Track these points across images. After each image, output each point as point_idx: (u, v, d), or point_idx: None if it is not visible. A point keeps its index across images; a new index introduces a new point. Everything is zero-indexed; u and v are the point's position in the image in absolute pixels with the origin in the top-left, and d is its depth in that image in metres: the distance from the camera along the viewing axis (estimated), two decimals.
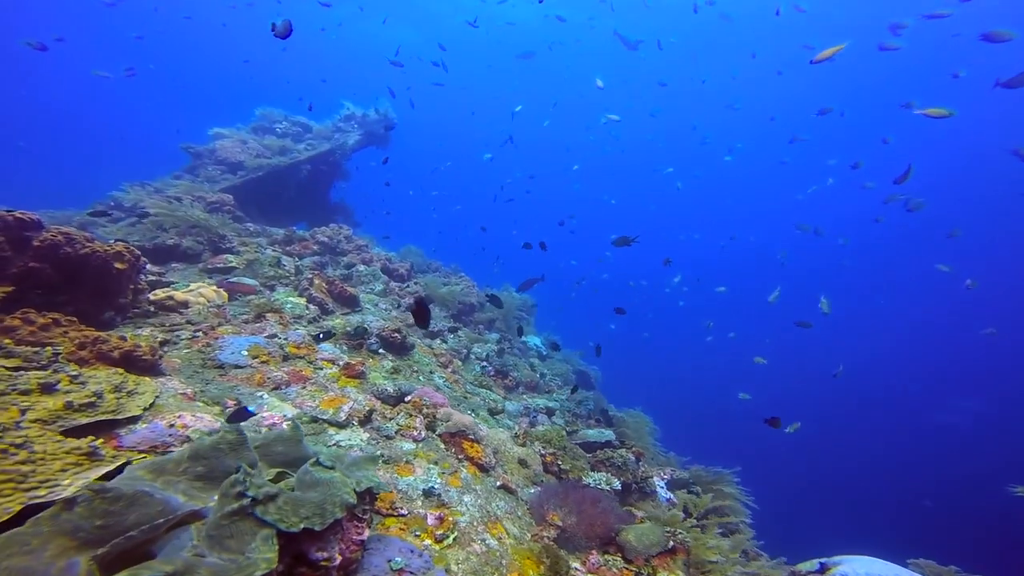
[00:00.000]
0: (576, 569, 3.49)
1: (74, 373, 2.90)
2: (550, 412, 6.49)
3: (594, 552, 3.71)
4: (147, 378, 3.40)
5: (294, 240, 8.40)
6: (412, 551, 2.70)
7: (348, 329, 5.45)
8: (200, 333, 4.59)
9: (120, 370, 3.22)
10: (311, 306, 5.95)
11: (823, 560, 4.32)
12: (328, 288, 6.40)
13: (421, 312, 3.67)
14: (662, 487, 5.25)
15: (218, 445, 2.28)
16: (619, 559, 3.78)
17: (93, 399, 2.74)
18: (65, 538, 1.79)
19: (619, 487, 4.65)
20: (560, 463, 4.76)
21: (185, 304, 5.22)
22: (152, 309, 4.95)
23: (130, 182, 9.09)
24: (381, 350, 5.58)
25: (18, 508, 1.88)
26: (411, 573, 2.59)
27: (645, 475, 5.11)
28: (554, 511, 3.86)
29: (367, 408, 4.08)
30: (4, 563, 1.63)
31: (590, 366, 11.41)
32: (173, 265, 6.80)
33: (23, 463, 2.01)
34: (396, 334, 5.68)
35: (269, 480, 2.16)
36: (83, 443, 2.20)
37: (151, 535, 1.85)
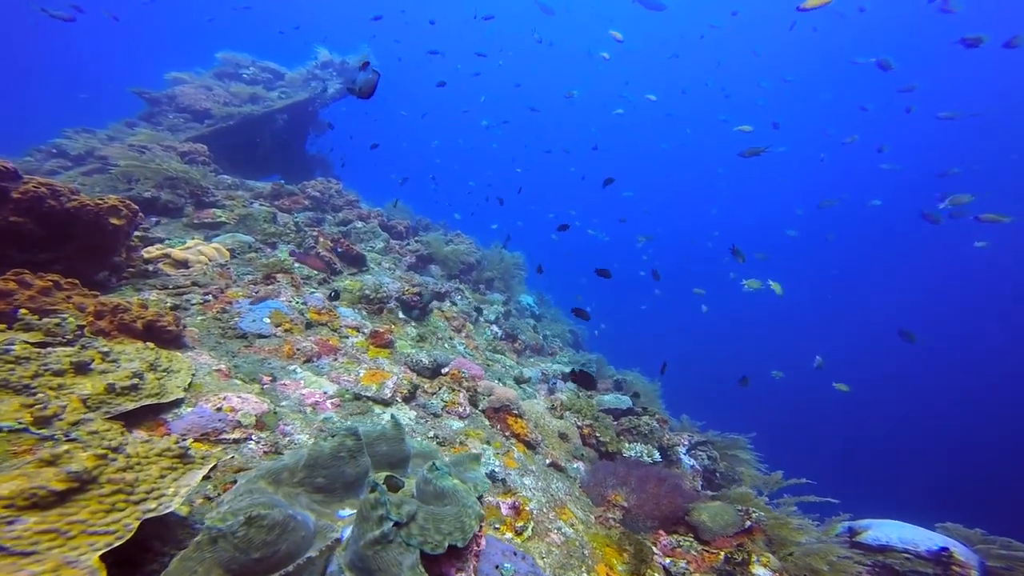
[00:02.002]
0: (654, 553, 3.44)
1: (104, 349, 2.55)
2: (565, 377, 6.42)
3: (662, 533, 3.64)
4: (178, 353, 3.06)
5: (283, 194, 7.83)
6: (514, 553, 2.57)
7: (367, 292, 5.13)
8: (210, 297, 4.20)
9: (151, 345, 2.87)
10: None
11: (851, 524, 4.46)
12: (333, 246, 5.99)
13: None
14: (685, 454, 5.30)
15: (338, 453, 2.04)
16: (691, 539, 3.67)
17: (135, 380, 2.42)
18: (220, 569, 1.58)
19: (659, 458, 4.64)
20: (598, 435, 4.69)
21: (185, 263, 4.76)
22: (150, 269, 4.49)
23: (73, 128, 8.20)
24: (402, 315, 5.31)
25: (136, 524, 1.62)
26: None
27: (671, 443, 5.13)
28: (615, 491, 3.77)
29: (411, 383, 3.86)
30: None
31: (577, 325, 11.44)
32: (153, 220, 6.21)
33: (125, 470, 1.71)
34: (416, 297, 5.40)
35: (382, 483, 1.95)
36: (171, 443, 1.91)
37: (306, 569, 1.65)
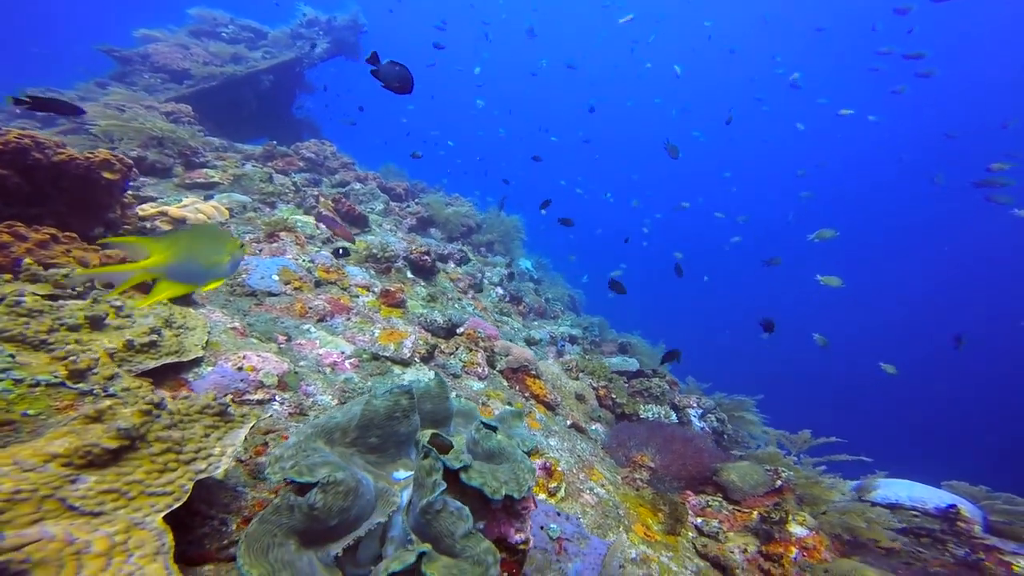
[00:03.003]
0: (688, 513, 3.43)
1: (117, 304, 2.38)
2: (573, 340, 6.38)
3: (690, 493, 3.63)
4: (191, 310, 2.90)
5: (276, 156, 7.50)
6: (558, 514, 2.54)
7: (373, 251, 4.96)
8: None
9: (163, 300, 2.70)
10: (321, 225, 5.35)
11: (860, 482, 4.53)
12: (335, 207, 5.77)
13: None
14: (696, 416, 5.32)
15: (393, 413, 1.92)
16: (720, 499, 3.66)
17: (153, 337, 2.27)
18: (296, 536, 1.53)
19: (676, 419, 4.65)
20: (614, 396, 4.66)
21: (183, 221, 4.53)
22: (147, 226, 4.26)
23: (37, 88, 7.70)
24: (410, 274, 5.16)
25: (191, 486, 1.51)
26: (568, 540, 2.43)
27: (683, 404, 5.14)
28: (640, 451, 3.74)
29: (427, 343, 3.75)
30: (272, 554, 1.46)
31: (574, 289, 11.40)
32: (141, 180, 5.91)
33: (170, 427, 1.59)
34: (426, 256, 5.24)
35: (427, 443, 1.86)
36: (209, 399, 1.78)
37: (376, 533, 1.61)
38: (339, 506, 1.62)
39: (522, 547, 1.96)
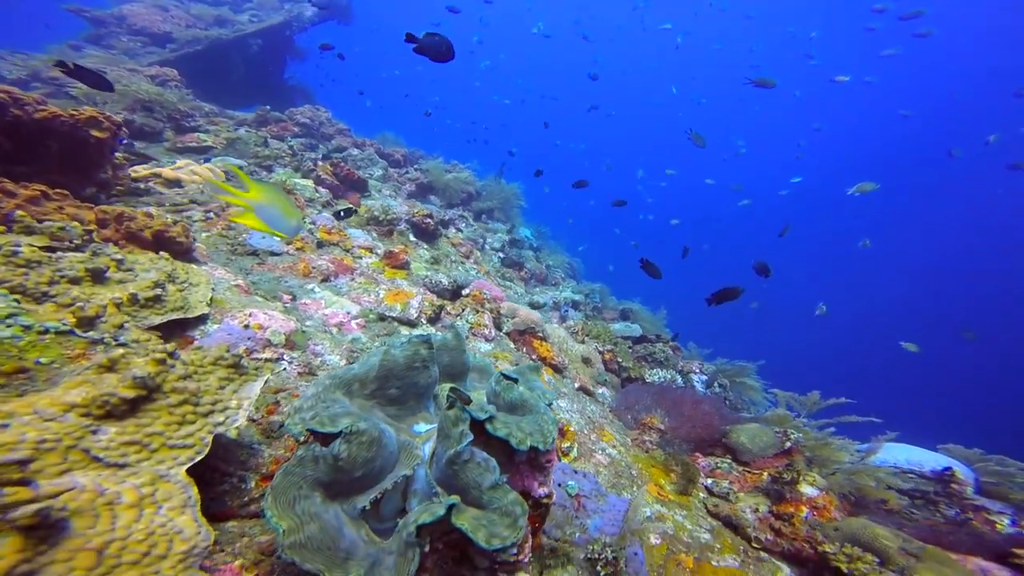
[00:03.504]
0: (700, 473, 3.42)
1: (118, 257, 2.28)
2: (576, 305, 6.33)
3: (699, 455, 3.62)
4: (194, 266, 2.79)
5: (269, 121, 7.25)
6: (575, 472, 2.51)
7: (375, 213, 4.83)
8: (212, 215, 3.87)
9: (165, 255, 2.59)
10: (320, 189, 5.20)
11: (869, 445, 4.55)
12: (334, 171, 5.60)
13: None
14: (699, 383, 5.32)
15: (413, 363, 1.85)
16: (729, 461, 3.66)
17: (158, 291, 2.17)
18: (321, 489, 1.49)
19: (682, 383, 4.63)
20: (620, 360, 4.63)
21: (178, 183, 4.37)
22: (142, 187, 4.10)
23: (3, 49, 7.34)
24: (413, 237, 5.04)
25: (211, 439, 1.45)
26: (586, 497, 2.41)
27: (686, 369, 5.13)
28: (650, 414, 3.72)
29: (436, 304, 3.67)
30: (299, 506, 1.44)
31: (573, 258, 11.32)
32: (131, 143, 5.70)
33: (185, 378, 1.51)
34: (428, 219, 5.12)
35: (447, 396, 1.79)
36: (222, 351, 1.70)
37: (402, 486, 1.57)
38: (363, 457, 1.56)
39: (545, 501, 1.92)
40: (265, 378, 1.76)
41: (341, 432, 1.53)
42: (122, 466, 1.33)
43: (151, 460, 1.37)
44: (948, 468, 4.25)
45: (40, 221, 2.40)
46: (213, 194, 4.01)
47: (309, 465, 1.52)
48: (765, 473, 3.65)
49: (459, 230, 6.60)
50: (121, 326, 1.69)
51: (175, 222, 3.52)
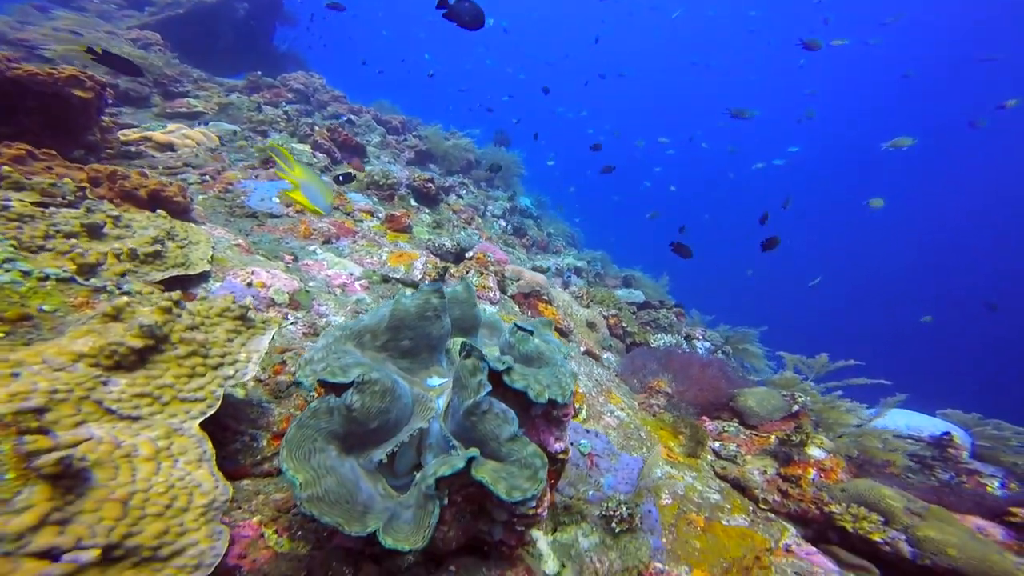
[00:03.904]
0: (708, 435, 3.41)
1: (114, 214, 2.18)
2: (578, 271, 6.27)
3: (705, 419, 3.60)
4: (192, 225, 2.70)
5: (261, 87, 7.02)
6: (587, 431, 2.48)
7: (375, 178, 4.71)
8: (208, 177, 3.76)
9: (163, 213, 2.50)
10: (318, 154, 5.06)
11: (877, 409, 4.55)
12: (331, 136, 5.44)
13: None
14: (703, 348, 5.30)
15: (424, 312, 1.78)
16: (736, 425, 3.64)
17: (157, 247, 2.09)
18: (337, 442, 1.45)
19: (687, 349, 4.60)
20: (624, 325, 4.58)
21: (170, 146, 4.23)
22: (132, 150, 3.96)
23: None
24: (414, 202, 4.93)
25: (222, 392, 1.39)
26: (599, 456, 2.38)
27: (690, 335, 5.11)
28: (657, 377, 3.69)
29: (439, 266, 3.59)
30: (315, 460, 1.39)
31: (574, 228, 11.22)
32: (117, 108, 5.51)
33: (193, 329, 1.45)
34: (429, 184, 5.00)
35: (463, 345, 1.73)
36: (228, 302, 1.63)
37: (418, 439, 1.55)
38: (377, 407, 1.51)
39: (561, 456, 1.88)
40: (273, 331, 1.70)
41: (353, 382, 1.48)
42: (136, 419, 1.29)
43: (164, 413, 1.33)
44: (947, 433, 4.29)
45: (28, 179, 2.30)
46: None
47: (323, 417, 1.47)
48: (772, 436, 3.65)
49: (460, 197, 6.47)
50: (123, 275, 1.62)
51: (170, 182, 3.42)
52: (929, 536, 2.80)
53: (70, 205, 2.17)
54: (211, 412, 1.39)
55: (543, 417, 1.79)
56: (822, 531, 3.16)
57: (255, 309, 2.35)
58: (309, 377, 1.50)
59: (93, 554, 1.08)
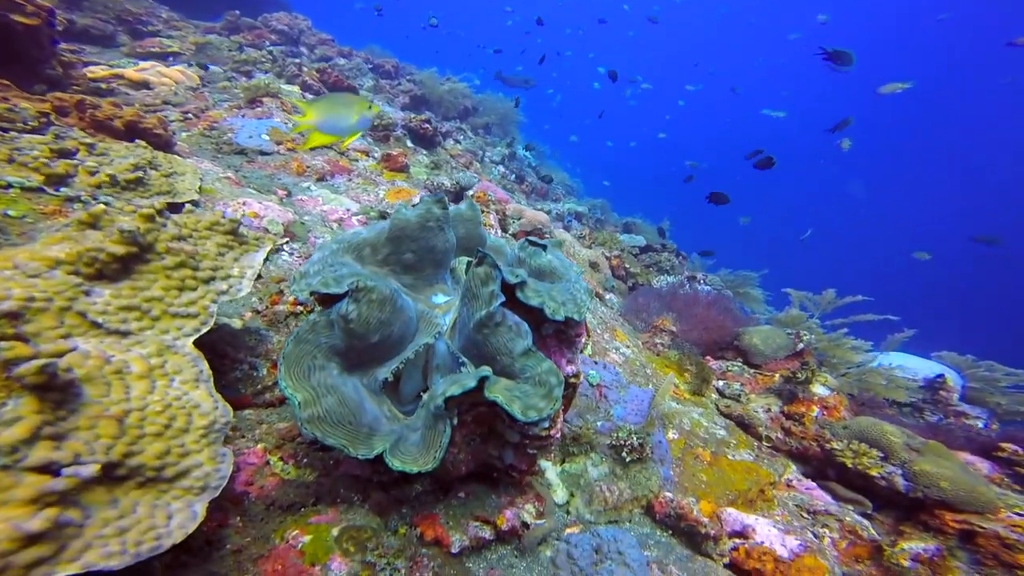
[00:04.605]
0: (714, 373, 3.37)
1: (88, 141, 2.03)
2: (579, 217, 6.13)
3: (709, 358, 3.56)
4: (176, 156, 2.54)
5: (241, 28, 6.63)
6: (595, 362, 2.42)
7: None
8: (191, 115, 3.56)
9: (144, 143, 2.34)
10: (307, 95, 4.82)
11: (872, 350, 4.54)
12: (320, 77, 5.16)
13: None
14: (704, 290, 5.23)
15: (426, 222, 1.66)
16: (740, 363, 3.60)
17: (139, 174, 1.95)
18: (338, 358, 1.39)
19: (690, 291, 4.53)
20: (627, 266, 4.50)
21: (145, 84, 3.99)
22: (103, 87, 3.72)
23: None
24: (410, 143, 4.74)
25: (216, 308, 1.30)
26: (607, 387, 2.32)
27: (691, 277, 5.04)
28: (661, 316, 3.62)
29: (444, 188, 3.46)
30: (315, 378, 1.33)
31: (573, 179, 11.00)
32: (80, 46, 5.17)
33: (180, 239, 1.34)
34: (426, 124, 4.79)
35: (476, 253, 1.60)
36: (217, 216, 1.52)
37: (423, 356, 1.47)
38: (376, 318, 1.42)
39: (573, 380, 1.80)
40: (268, 248, 1.59)
41: (349, 292, 1.38)
42: (124, 334, 1.20)
43: (155, 329, 1.24)
44: (940, 375, 4.31)
45: None
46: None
47: (323, 331, 1.38)
48: (777, 375, 3.64)
49: (457, 142, 6.24)
50: (99, 187, 1.50)
51: (149, 115, 3.22)
52: (925, 470, 2.85)
53: (35, 132, 2.01)
54: (205, 330, 1.30)
55: (555, 337, 1.69)
56: (821, 468, 3.21)
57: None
58: (303, 291, 1.40)
59: (93, 469, 1.04)
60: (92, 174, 1.60)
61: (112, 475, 1.10)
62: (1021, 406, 4.14)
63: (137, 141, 2.32)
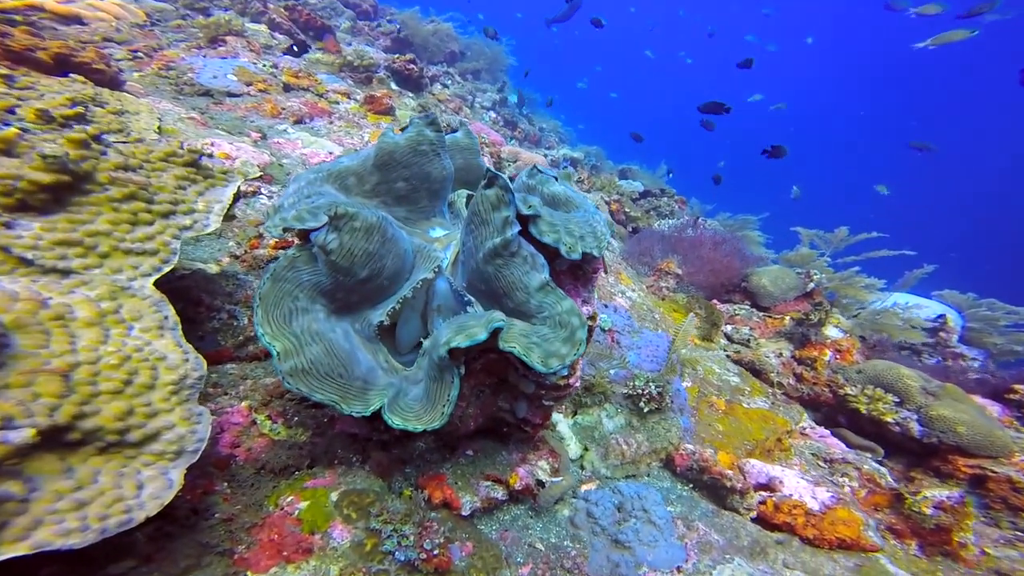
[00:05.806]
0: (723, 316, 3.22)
1: (4, 72, 1.75)
2: (574, 163, 5.86)
3: (715, 302, 3.39)
4: (126, 94, 2.25)
5: None
6: (605, 305, 2.24)
7: (349, 59, 4.14)
8: (140, 54, 3.22)
9: (81, 78, 2.05)
10: (277, 35, 4.42)
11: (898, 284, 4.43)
12: (290, 16, 4.73)
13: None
14: (710, 231, 5.06)
15: (418, 145, 1.43)
16: (748, 306, 3.45)
17: (79, 110, 1.67)
18: (324, 299, 1.22)
19: (692, 235, 4.35)
20: (627, 211, 4.30)
21: (77, 18, 3.54)
22: (18, 19, 3.29)
23: None
24: (395, 86, 4.40)
25: (179, 245, 1.11)
26: (619, 333, 2.16)
27: (694, 220, 4.86)
28: (666, 259, 3.44)
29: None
30: (297, 322, 1.17)
31: (566, 127, 10.61)
32: None
33: (125, 168, 1.13)
34: (411, 65, 4.44)
35: (486, 173, 1.37)
36: (174, 146, 1.29)
37: (421, 292, 1.29)
38: (362, 248, 1.21)
39: (589, 323, 1.61)
40: (237, 183, 1.37)
41: (328, 219, 1.17)
42: (65, 272, 0.99)
43: (104, 268, 1.04)
44: (941, 315, 4.22)
45: None
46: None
47: (303, 267, 1.17)
48: (787, 317, 3.51)
49: (445, 86, 5.86)
50: (10, 110, 1.26)
51: (83, 48, 2.87)
52: (942, 415, 2.75)
53: None
54: (167, 268, 1.10)
55: (570, 272, 1.48)
56: (831, 415, 3.12)
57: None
58: (277, 226, 1.18)
59: (27, 434, 0.86)
60: (10, 111, 1.33)
61: (62, 440, 0.92)
62: (1016, 345, 4.10)
63: (72, 76, 2.03)
